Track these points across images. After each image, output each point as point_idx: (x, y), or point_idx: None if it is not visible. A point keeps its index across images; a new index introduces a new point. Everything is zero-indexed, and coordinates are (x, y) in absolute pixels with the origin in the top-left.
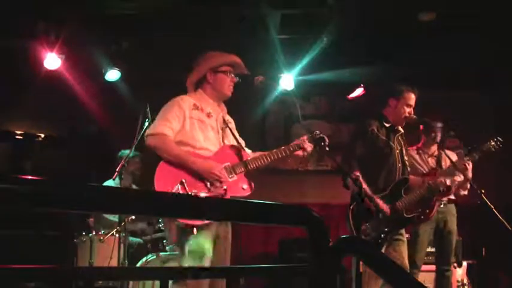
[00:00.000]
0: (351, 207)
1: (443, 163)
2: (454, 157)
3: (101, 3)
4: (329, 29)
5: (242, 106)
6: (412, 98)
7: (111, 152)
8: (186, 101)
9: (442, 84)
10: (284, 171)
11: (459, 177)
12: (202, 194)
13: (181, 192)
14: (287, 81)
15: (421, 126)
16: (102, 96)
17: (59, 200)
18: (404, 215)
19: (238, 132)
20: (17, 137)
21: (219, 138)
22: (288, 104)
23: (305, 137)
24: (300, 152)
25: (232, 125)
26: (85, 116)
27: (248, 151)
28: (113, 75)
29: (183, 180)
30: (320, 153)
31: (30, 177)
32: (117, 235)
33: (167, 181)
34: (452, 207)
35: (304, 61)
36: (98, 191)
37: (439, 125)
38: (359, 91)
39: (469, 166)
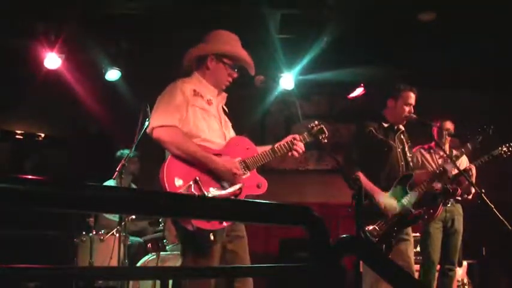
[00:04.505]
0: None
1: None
2: (466, 160)
3: (101, 2)
4: (329, 29)
5: (242, 106)
6: (411, 96)
7: (111, 152)
8: (187, 87)
9: (442, 84)
10: (284, 170)
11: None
12: (219, 193)
13: (194, 191)
14: (287, 80)
15: (435, 127)
16: (102, 96)
17: (59, 200)
18: (412, 211)
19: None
20: (17, 137)
21: (222, 128)
22: (288, 103)
23: (297, 136)
24: (294, 153)
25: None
26: (85, 116)
27: None
28: (113, 75)
29: (197, 179)
30: (320, 147)
31: (30, 177)
32: (117, 235)
33: (179, 178)
34: (459, 206)
35: (304, 61)
36: (99, 191)
37: (449, 125)
38: (359, 91)
39: (473, 171)
